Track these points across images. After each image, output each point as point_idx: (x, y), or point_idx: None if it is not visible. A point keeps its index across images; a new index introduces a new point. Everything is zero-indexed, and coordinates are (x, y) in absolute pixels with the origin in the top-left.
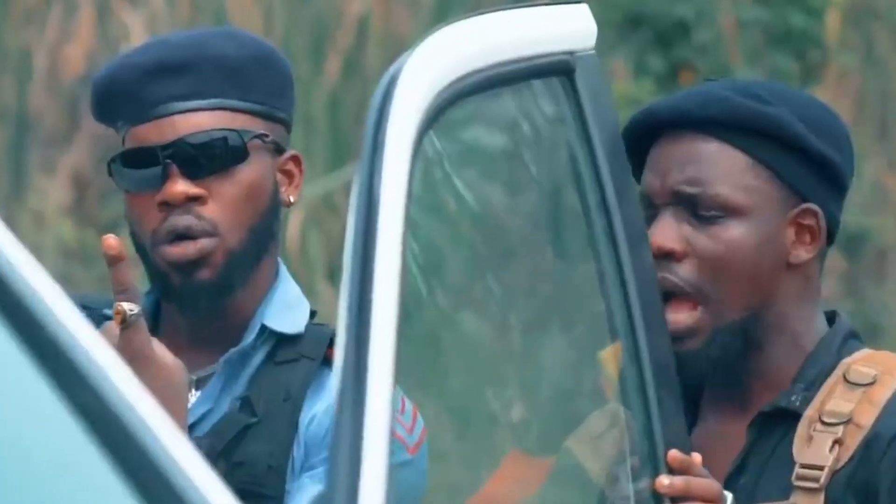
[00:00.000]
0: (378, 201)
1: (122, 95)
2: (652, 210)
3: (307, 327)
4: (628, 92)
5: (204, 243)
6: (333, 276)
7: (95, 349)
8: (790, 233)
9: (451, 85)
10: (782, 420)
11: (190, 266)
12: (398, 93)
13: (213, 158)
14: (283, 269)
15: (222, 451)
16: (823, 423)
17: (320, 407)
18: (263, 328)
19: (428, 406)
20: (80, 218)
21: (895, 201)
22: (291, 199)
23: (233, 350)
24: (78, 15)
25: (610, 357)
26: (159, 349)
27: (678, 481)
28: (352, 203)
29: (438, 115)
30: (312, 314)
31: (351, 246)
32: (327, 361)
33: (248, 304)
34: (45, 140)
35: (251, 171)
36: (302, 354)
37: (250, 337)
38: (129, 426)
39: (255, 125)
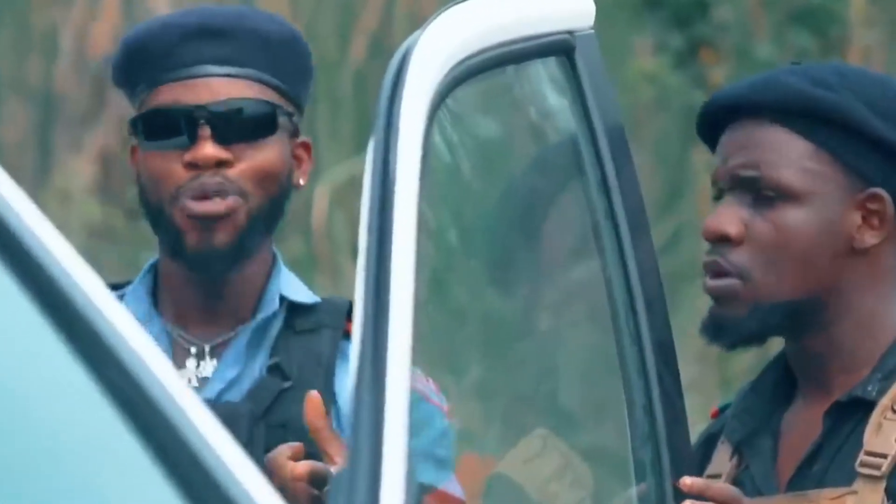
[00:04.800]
0: (393, 180)
1: (158, 54)
2: (720, 195)
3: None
4: (647, 70)
5: (231, 201)
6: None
7: (125, 328)
8: (856, 218)
9: (457, 66)
10: (858, 409)
11: (212, 222)
12: (408, 77)
13: (245, 126)
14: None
15: (261, 415)
16: (894, 411)
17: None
18: (282, 298)
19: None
20: (106, 197)
21: None
22: (301, 182)
23: (259, 318)
24: None
25: None
26: None
27: (699, 483)
28: (366, 180)
29: (446, 95)
30: None
31: (366, 222)
32: (347, 335)
33: (257, 276)
34: (72, 119)
35: (275, 145)
36: (321, 324)
37: (272, 306)
38: (159, 404)
39: (282, 103)
